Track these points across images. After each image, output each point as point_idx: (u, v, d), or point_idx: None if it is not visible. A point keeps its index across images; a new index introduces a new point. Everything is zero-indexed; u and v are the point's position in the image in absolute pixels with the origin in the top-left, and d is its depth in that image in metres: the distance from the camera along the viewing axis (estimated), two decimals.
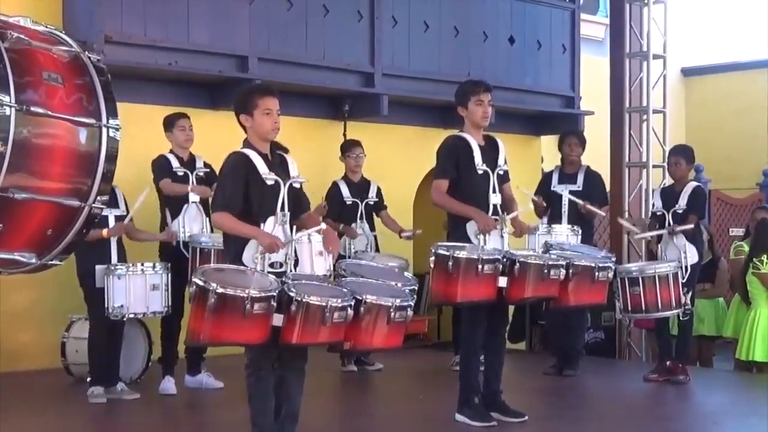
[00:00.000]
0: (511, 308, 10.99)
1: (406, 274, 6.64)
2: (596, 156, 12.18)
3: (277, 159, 5.98)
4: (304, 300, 5.39)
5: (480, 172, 6.91)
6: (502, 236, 6.89)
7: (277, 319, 5.43)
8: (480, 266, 6.52)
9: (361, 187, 9.56)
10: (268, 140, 5.91)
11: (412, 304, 5.82)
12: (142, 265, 7.85)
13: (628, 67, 12.01)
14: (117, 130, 3.83)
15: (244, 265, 5.69)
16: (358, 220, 9.41)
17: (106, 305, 7.73)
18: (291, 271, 5.78)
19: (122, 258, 7.95)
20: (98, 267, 7.78)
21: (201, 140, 8.82)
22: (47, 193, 3.70)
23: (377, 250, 9.47)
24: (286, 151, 8.83)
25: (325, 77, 11.05)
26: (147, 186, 8.01)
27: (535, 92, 13.08)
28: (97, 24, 9.42)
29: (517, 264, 6.63)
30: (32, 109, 3.58)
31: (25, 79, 3.62)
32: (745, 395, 8.89)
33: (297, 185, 5.99)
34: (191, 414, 7.94)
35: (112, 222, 7.91)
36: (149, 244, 8.43)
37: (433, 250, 6.70)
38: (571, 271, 6.85)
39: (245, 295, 5.28)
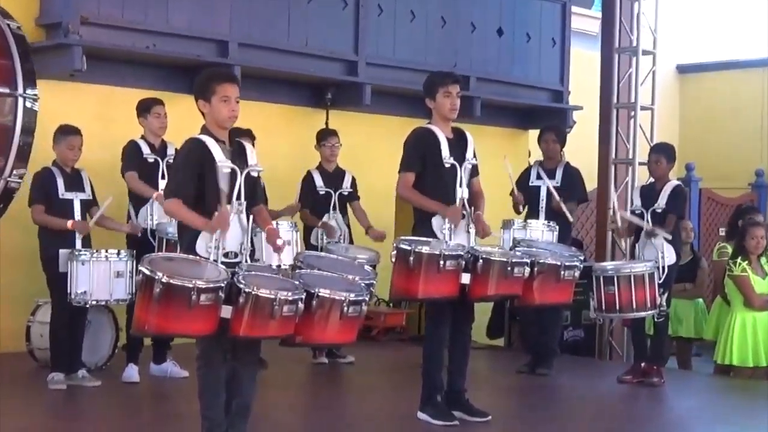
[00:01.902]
0: (491, 304, 10.92)
1: (366, 267, 6.49)
2: (586, 151, 12.10)
3: (236, 146, 5.83)
4: (252, 292, 5.27)
5: (447, 165, 6.76)
6: (468, 231, 6.77)
7: (226, 311, 5.32)
8: (442, 262, 6.40)
9: (335, 177, 9.40)
10: (225, 128, 5.77)
11: (367, 298, 5.68)
12: (107, 251, 7.73)
13: (617, 63, 11.88)
14: (35, 100, 3.67)
15: (198, 255, 5.57)
16: (331, 210, 9.26)
17: (68, 291, 7.62)
18: (246, 261, 5.67)
19: (87, 244, 7.83)
20: (62, 251, 7.67)
21: (178, 125, 8.65)
22: None
23: (351, 241, 9.33)
24: (253, 137, 8.75)
25: (307, 65, 10.90)
26: (110, 196, 7.90)
27: (523, 85, 12.92)
28: (74, 4, 9.26)
29: (480, 261, 6.51)
30: None
31: None
32: (717, 400, 8.76)
33: (255, 174, 5.84)
34: (153, 402, 7.84)
35: (77, 206, 7.81)
36: None
37: (395, 245, 6.59)
38: (536, 269, 6.73)
39: (191, 286, 5.16)
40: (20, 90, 3.68)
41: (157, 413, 7.44)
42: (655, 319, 8.61)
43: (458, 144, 6.89)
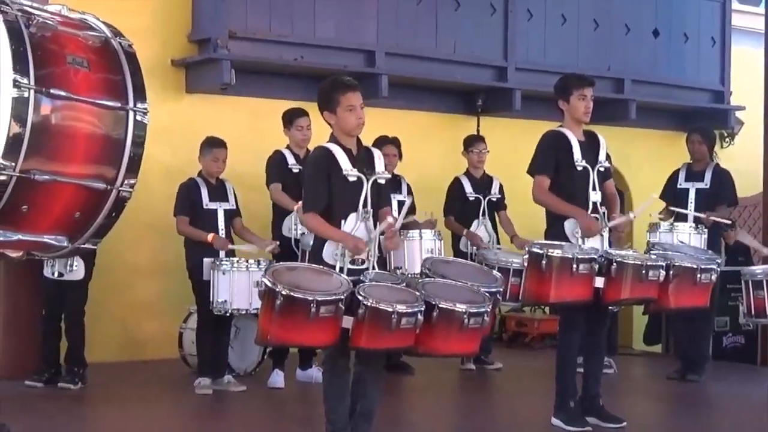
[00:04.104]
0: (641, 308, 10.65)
1: (495, 273, 6.39)
2: (754, 153, 11.67)
3: (363, 154, 5.81)
4: (371, 304, 5.22)
5: (579, 168, 6.67)
6: (601, 235, 6.64)
7: (347, 322, 5.27)
8: (575, 266, 6.30)
9: (483, 183, 9.38)
10: (353, 136, 5.77)
11: (489, 309, 5.56)
12: (247, 261, 7.85)
13: None
14: (145, 114, 3.80)
15: (325, 262, 5.60)
16: (480, 217, 9.24)
17: (210, 299, 7.81)
18: (373, 268, 5.66)
19: (230, 253, 8.00)
20: (206, 260, 7.89)
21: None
22: (70, 176, 3.70)
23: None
24: (398, 142, 8.81)
25: (455, 71, 10.92)
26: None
27: (680, 87, 12.63)
28: (223, 20, 9.55)
29: (614, 264, 6.37)
30: (52, 91, 3.59)
31: (47, 62, 3.63)
32: None
33: (382, 181, 5.82)
34: (295, 408, 7.92)
35: (221, 216, 8.01)
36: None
37: (527, 248, 6.52)
38: (671, 272, 6.54)
39: (311, 299, 5.15)
40: (131, 104, 3.82)
41: (296, 418, 7.52)
42: None
43: (590, 146, 6.79)
